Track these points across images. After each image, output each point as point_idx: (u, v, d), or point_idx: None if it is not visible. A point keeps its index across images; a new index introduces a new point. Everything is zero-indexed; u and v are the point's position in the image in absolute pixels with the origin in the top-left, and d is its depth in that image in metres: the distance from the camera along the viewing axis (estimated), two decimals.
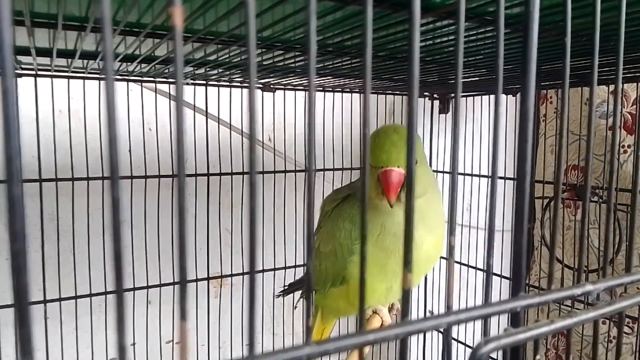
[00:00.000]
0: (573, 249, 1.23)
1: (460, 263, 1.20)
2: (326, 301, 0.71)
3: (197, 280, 0.98)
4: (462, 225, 1.26)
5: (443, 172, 1.23)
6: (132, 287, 0.92)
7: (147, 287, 0.93)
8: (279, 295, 0.89)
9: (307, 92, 1.08)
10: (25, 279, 0.14)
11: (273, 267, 1.06)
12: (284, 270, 1.08)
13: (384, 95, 1.18)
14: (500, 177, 1.08)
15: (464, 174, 1.18)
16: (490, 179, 0.23)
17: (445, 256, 1.21)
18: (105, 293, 0.89)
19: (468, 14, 0.45)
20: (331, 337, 0.19)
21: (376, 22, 0.47)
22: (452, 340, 1.20)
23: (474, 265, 1.16)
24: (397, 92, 1.18)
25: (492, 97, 1.13)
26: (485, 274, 0.26)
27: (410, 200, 0.21)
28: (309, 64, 0.19)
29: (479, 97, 1.19)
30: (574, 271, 1.11)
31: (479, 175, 1.15)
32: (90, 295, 0.88)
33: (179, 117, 0.16)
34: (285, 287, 0.90)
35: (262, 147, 1.09)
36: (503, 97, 1.15)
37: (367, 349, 0.66)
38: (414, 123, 0.21)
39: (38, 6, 0.43)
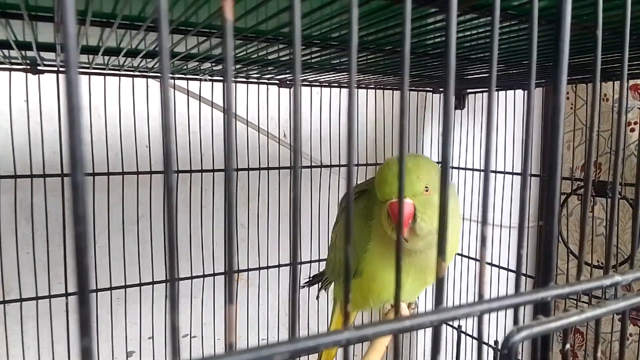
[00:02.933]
0: (590, 245, 1.22)
1: (470, 258, 1.20)
2: (342, 293, 0.72)
3: (214, 274, 0.99)
4: (477, 221, 1.26)
5: (458, 168, 1.23)
6: (150, 281, 0.93)
7: (166, 281, 0.94)
8: (303, 286, 0.90)
9: (322, 88, 1.08)
10: (86, 260, 0.14)
11: (289, 262, 1.07)
12: (300, 266, 1.08)
13: (399, 91, 1.18)
14: (517, 173, 1.08)
15: (479, 170, 1.18)
16: (521, 176, 0.23)
17: (459, 252, 1.20)
18: (125, 287, 0.91)
19: (488, 9, 0.45)
20: (370, 322, 0.20)
21: (396, 18, 0.47)
22: (461, 333, 1.20)
23: (489, 262, 1.16)
24: (412, 88, 1.18)
25: (507, 92, 1.13)
26: (515, 266, 0.27)
27: (445, 190, 0.22)
28: (350, 61, 0.19)
29: (496, 92, 1.18)
30: (591, 267, 1.10)
31: (494, 172, 1.15)
32: (111, 288, 0.89)
33: (229, 113, 0.17)
34: (310, 279, 0.91)
35: (279, 143, 1.10)
36: (520, 92, 1.15)
37: (386, 345, 0.66)
38: (450, 121, 0.21)
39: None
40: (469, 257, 1.21)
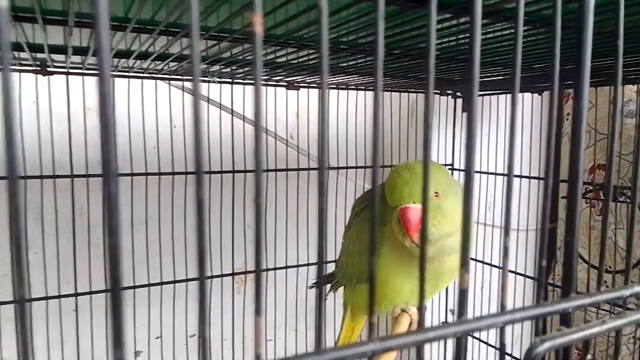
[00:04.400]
0: (598, 249, 1.21)
1: (477, 261, 1.20)
2: (354, 298, 0.72)
3: (222, 275, 0.99)
4: (484, 224, 1.25)
5: (462, 170, 1.23)
6: (159, 281, 0.93)
7: (174, 281, 0.94)
8: (312, 287, 0.90)
9: (331, 90, 1.08)
10: (121, 273, 0.14)
11: (296, 264, 1.07)
12: (306, 267, 1.08)
13: (407, 94, 1.18)
14: (525, 177, 1.07)
15: (487, 173, 1.17)
16: (544, 180, 0.23)
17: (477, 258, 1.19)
18: (134, 287, 0.91)
19: (505, 14, 0.45)
20: (394, 334, 0.20)
21: (392, 19, 0.47)
22: (475, 340, 1.20)
23: (496, 264, 1.16)
24: (420, 91, 1.17)
25: (518, 95, 1.12)
26: (537, 272, 0.26)
27: (469, 202, 0.22)
28: (375, 64, 0.19)
29: (498, 95, 1.18)
30: (599, 271, 1.10)
31: (502, 174, 1.15)
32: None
33: (258, 116, 0.17)
34: (318, 280, 0.91)
35: (286, 145, 1.10)
36: (528, 95, 1.14)
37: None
38: (474, 124, 0.21)
39: (84, 7, 0.44)
40: (475, 260, 1.21)
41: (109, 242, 0.14)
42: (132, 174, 0.89)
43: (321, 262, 0.19)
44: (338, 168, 1.10)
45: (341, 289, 0.80)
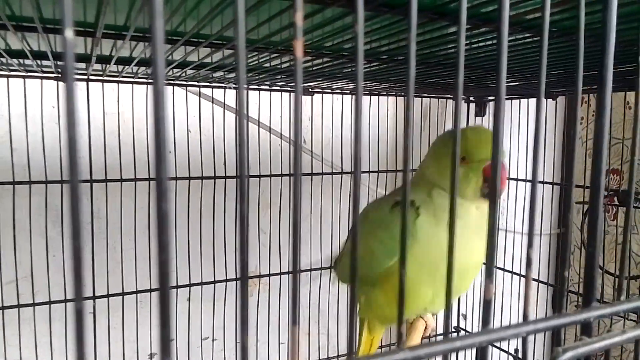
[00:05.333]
0: (613, 255, 1.20)
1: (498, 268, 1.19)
2: (370, 312, 0.71)
3: (236, 279, 1.00)
4: (497, 228, 1.25)
5: None
6: (175, 285, 0.95)
7: (190, 285, 0.95)
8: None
9: (344, 95, 1.09)
10: (167, 289, 0.15)
11: (309, 268, 1.08)
12: (319, 271, 1.09)
13: (420, 99, 1.19)
14: (539, 182, 1.07)
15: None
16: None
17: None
18: (150, 290, 0.93)
19: (523, 24, 0.46)
20: (422, 343, 0.21)
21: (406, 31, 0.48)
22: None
23: (511, 270, 1.16)
24: (433, 95, 1.18)
25: (530, 100, 1.12)
26: (559, 281, 0.27)
27: (495, 209, 0.22)
28: (408, 74, 0.20)
29: (517, 100, 1.18)
30: (614, 277, 1.09)
31: (516, 179, 1.15)
32: (137, 292, 0.91)
33: (298, 124, 0.17)
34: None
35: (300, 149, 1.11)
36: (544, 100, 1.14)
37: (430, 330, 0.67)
38: (500, 126, 0.22)
39: (109, 19, 0.46)
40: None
41: (159, 258, 0.15)
42: (150, 179, 0.91)
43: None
44: (351, 172, 1.11)
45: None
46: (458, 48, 0.22)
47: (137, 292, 0.91)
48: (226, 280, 0.99)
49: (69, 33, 0.14)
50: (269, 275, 1.05)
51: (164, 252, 0.15)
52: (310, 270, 1.09)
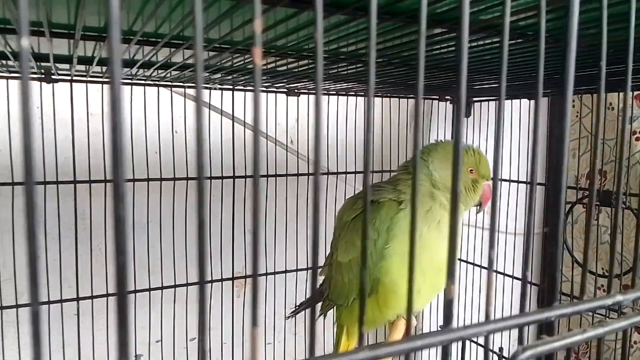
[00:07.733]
0: (595, 253, 1.22)
1: (475, 265, 1.21)
2: (351, 319, 0.71)
3: (222, 280, 1.00)
4: (482, 228, 1.26)
5: None
6: (160, 286, 0.94)
7: (175, 286, 0.95)
8: (289, 317, 0.92)
9: (330, 96, 1.09)
10: (125, 289, 0.16)
11: (295, 268, 1.08)
12: (306, 272, 1.10)
13: (406, 100, 1.19)
14: (522, 182, 1.08)
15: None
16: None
17: (463, 258, 1.20)
18: (135, 292, 0.92)
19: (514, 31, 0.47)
20: (391, 340, 0.21)
21: (390, 33, 0.48)
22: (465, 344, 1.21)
23: (495, 269, 1.17)
24: (426, 97, 1.19)
25: (515, 101, 1.14)
26: (521, 282, 0.28)
27: (456, 212, 0.23)
28: (368, 78, 0.21)
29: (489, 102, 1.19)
30: (595, 276, 1.11)
31: (500, 179, 1.16)
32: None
33: (257, 125, 0.18)
34: (297, 307, 0.92)
35: (286, 150, 1.11)
36: (525, 101, 1.16)
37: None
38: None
39: (89, 20, 0.46)
40: (473, 264, 1.22)
41: (116, 262, 0.15)
42: (134, 180, 0.91)
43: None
44: (337, 173, 1.11)
45: (332, 310, 0.80)
46: (418, 50, 0.22)
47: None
48: (212, 281, 0.99)
49: (25, 42, 0.14)
50: (256, 275, 1.05)
51: (122, 256, 0.15)
52: (297, 270, 1.09)
